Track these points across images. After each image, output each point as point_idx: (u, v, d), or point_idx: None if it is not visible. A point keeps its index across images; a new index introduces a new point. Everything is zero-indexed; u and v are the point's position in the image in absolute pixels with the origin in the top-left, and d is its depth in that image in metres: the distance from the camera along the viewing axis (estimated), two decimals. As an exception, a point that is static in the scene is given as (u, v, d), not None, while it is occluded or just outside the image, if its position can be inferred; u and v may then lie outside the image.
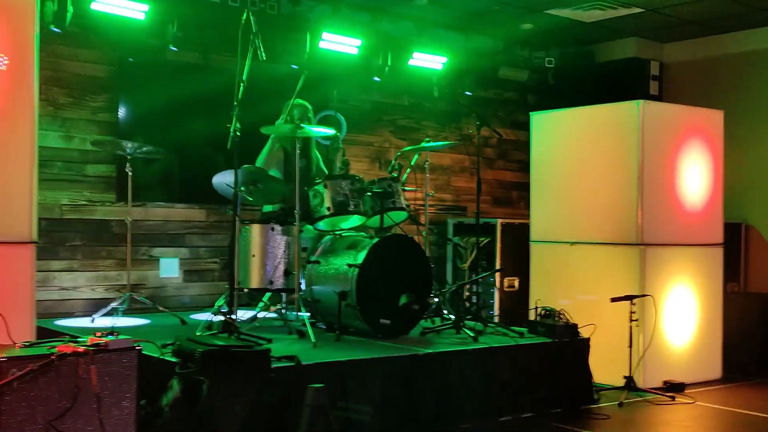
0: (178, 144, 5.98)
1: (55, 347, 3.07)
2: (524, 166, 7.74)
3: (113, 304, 5.13)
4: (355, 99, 6.97)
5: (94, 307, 5.52)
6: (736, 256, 6.94)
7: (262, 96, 5.61)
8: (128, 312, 5.24)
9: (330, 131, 5.06)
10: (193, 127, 6.07)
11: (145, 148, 5.17)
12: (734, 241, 6.86)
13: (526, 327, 4.99)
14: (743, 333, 6.22)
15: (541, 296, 5.55)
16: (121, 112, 5.84)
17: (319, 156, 5.62)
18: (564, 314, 4.92)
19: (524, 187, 7.59)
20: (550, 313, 4.93)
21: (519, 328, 5.00)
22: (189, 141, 6.05)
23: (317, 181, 4.94)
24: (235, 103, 4.35)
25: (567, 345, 4.78)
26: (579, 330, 4.87)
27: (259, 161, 5.35)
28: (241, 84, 4.36)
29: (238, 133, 4.33)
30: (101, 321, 5.07)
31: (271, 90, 6.13)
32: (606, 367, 5.11)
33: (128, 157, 5.16)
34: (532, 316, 5.07)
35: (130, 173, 5.15)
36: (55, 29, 5.39)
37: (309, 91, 6.18)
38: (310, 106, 5.46)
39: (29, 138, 3.82)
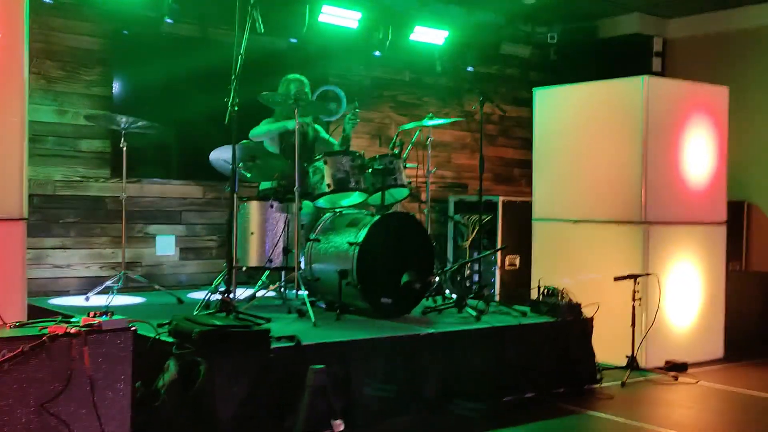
0: (174, 119, 5.88)
1: (46, 328, 2.95)
2: (526, 143, 7.67)
3: (108, 283, 5.06)
4: (354, 74, 6.88)
5: (88, 285, 5.44)
6: (738, 236, 6.88)
7: (260, 70, 5.51)
8: (123, 290, 5.17)
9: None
10: (190, 101, 5.97)
11: (140, 123, 5.08)
12: (736, 220, 6.81)
13: (528, 306, 4.95)
14: (744, 313, 6.18)
15: (543, 275, 5.50)
16: (116, 86, 5.73)
17: (320, 128, 5.52)
18: (567, 293, 4.87)
19: (526, 165, 7.53)
20: (553, 292, 4.89)
21: (522, 307, 4.97)
22: (186, 116, 5.95)
23: (317, 157, 4.85)
24: (233, 77, 4.25)
25: (570, 324, 4.73)
26: (582, 309, 4.82)
27: (258, 131, 5.23)
28: (239, 57, 4.25)
29: (235, 108, 4.23)
30: (96, 299, 4.99)
31: (270, 64, 6.01)
32: (609, 346, 5.07)
33: (123, 132, 5.07)
34: (534, 295, 5.03)
35: (124, 149, 5.06)
36: (47, 0, 5.23)
37: (307, 65, 6.10)
38: (306, 81, 5.37)
39: (19, 112, 3.69)
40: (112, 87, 5.71)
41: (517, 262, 6.79)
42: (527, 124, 6.95)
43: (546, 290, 4.91)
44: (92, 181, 5.67)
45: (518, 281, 6.52)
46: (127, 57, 5.73)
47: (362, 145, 6.77)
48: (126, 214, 5.18)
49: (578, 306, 4.81)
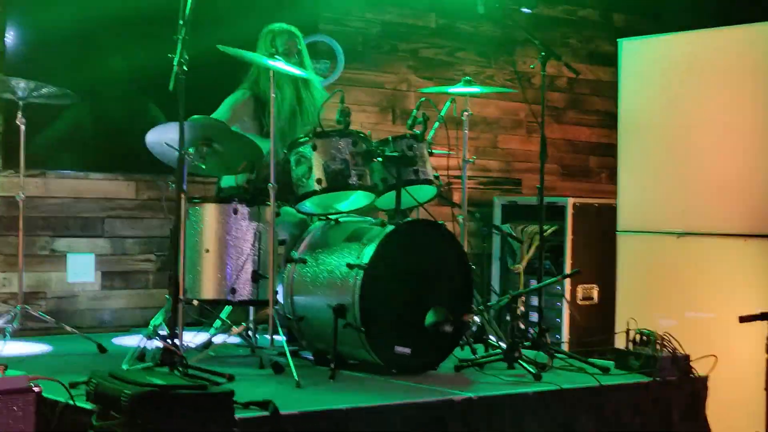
0: (93, 85, 5.92)
1: None
2: (608, 120, 7.66)
3: (-1, 323, 5.10)
4: (356, 18, 6.91)
5: (-30, 326, 5.48)
6: None
7: (220, 12, 5.55)
8: (21, 334, 5.18)
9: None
10: (117, 60, 6.02)
11: (44, 90, 5.11)
12: None
13: (612, 359, 4.96)
14: None
15: (633, 312, 5.47)
16: (9, 38, 5.79)
17: (318, 95, 5.56)
18: (669, 340, 4.87)
19: (608, 151, 7.51)
20: (648, 339, 4.89)
21: (602, 360, 4.98)
22: (110, 80, 6.00)
23: (301, 139, 4.89)
24: (181, 23, 4.27)
25: (674, 386, 4.75)
26: (692, 364, 4.83)
27: (219, 113, 5.31)
28: (189, -6, 4.30)
29: (184, 68, 4.25)
30: (-19, 347, 5.02)
31: (234, 2, 6.02)
32: (732, 417, 5.08)
33: (20, 103, 5.10)
34: (621, 343, 5.05)
35: (22, 127, 5.09)
36: None
37: (286, 5, 6.14)
38: (300, 34, 5.44)
39: None
40: (3, 38, 5.76)
41: (595, 293, 6.78)
42: (610, 90, 6.94)
43: (638, 335, 4.91)
44: (-25, 175, 5.73)
45: (597, 322, 6.50)
46: (24, -1, 5.81)
47: (368, 122, 6.81)
48: (24, 223, 5.20)
49: (686, 359, 4.81)
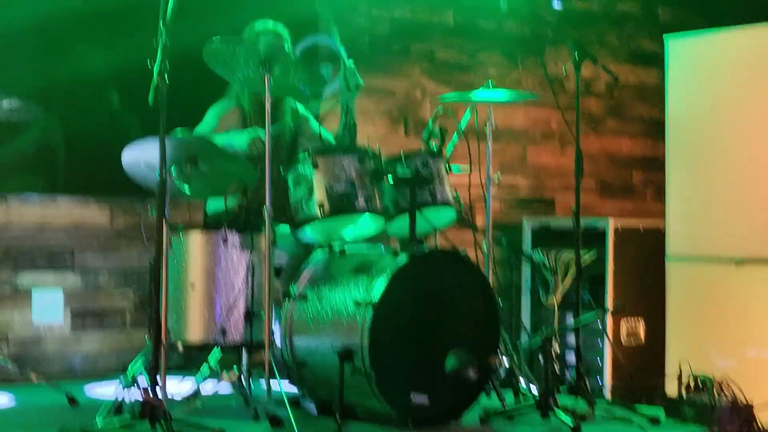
0: (60, 95, 5.95)
1: None
2: (653, 129, 7.64)
3: (-46, 371, 5.11)
4: (362, 14, 6.93)
5: None
6: None
7: (208, 7, 5.56)
8: (-21, 384, 5.21)
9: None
10: (87, 64, 6.03)
11: (4, 103, 5.11)
12: None
13: (662, 407, 4.97)
14: None
15: (686, 352, 5.48)
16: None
17: (308, 114, 5.57)
18: (728, 385, 4.87)
19: (653, 165, 7.49)
20: (704, 384, 4.89)
21: (650, 408, 4.99)
22: (80, 90, 6.00)
23: (300, 156, 4.91)
24: (161, 24, 4.30)
25: (735, 439, 4.72)
26: (756, 413, 4.81)
27: (205, 124, 5.35)
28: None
29: (165, 76, 4.28)
30: (-67, 400, 5.05)
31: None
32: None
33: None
34: (672, 388, 5.05)
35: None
36: None
37: (282, 1, 6.15)
38: (286, 34, 5.46)
39: None
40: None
41: (641, 330, 6.75)
42: (655, 95, 6.94)
43: (692, 380, 4.92)
44: (-74, 201, 5.78)
45: (643, 363, 6.47)
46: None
47: (377, 135, 6.76)
48: (-18, 256, 5.25)
49: (748, 408, 4.79)
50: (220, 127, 5.41)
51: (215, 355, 5.08)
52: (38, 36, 5.89)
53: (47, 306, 6.01)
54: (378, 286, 4.56)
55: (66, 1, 5.85)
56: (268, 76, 4.74)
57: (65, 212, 6.09)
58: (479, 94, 5.52)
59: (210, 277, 4.78)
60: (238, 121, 5.43)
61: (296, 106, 5.58)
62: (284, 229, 5.01)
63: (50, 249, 6.04)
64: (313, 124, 5.56)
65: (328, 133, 5.49)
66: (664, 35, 6.14)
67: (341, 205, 4.80)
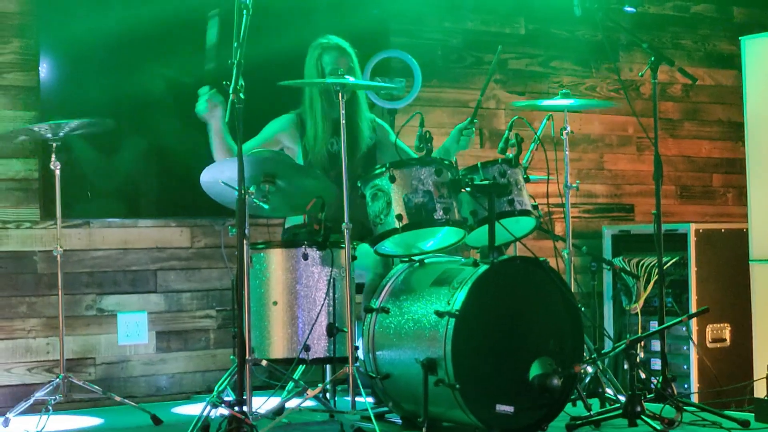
0: (138, 118, 6.02)
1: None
2: (732, 131, 7.58)
3: (39, 394, 5.15)
4: (433, 28, 6.97)
5: (7, 398, 5.58)
6: None
7: (278, 24, 5.59)
8: (66, 406, 5.27)
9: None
10: (168, 87, 6.10)
11: (75, 123, 5.18)
12: None
13: (752, 411, 4.91)
14: None
15: (775, 356, 5.43)
16: (43, 71, 5.90)
17: (385, 125, 5.60)
18: (820, 387, 4.80)
19: (734, 167, 7.44)
20: (794, 386, 4.82)
21: (739, 413, 4.94)
22: (158, 112, 6.08)
23: (378, 169, 4.93)
24: (235, 45, 4.35)
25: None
26: None
27: (253, 141, 5.37)
28: (244, 11, 4.37)
29: (241, 95, 4.31)
30: (20, 423, 5.09)
31: (296, 14, 6.06)
32: None
33: (53, 144, 5.19)
34: (761, 391, 5.06)
35: (57, 171, 5.18)
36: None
37: (352, 16, 6.18)
38: (351, 50, 5.46)
39: None
40: (38, 70, 5.88)
41: (727, 334, 6.69)
42: (732, 97, 6.88)
43: (782, 382, 4.87)
44: (11, 227, 5.84)
45: (730, 367, 6.41)
46: (61, 20, 5.91)
47: (451, 147, 6.83)
48: (67, 280, 5.30)
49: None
50: (274, 143, 5.43)
51: (299, 370, 5.13)
52: (110, 57, 5.97)
53: (132, 328, 6.07)
54: (459, 297, 4.56)
55: (140, 29, 5.95)
56: (341, 92, 4.77)
57: (146, 235, 6.16)
58: (554, 102, 5.54)
59: (292, 294, 4.81)
60: (296, 136, 5.46)
61: (374, 118, 5.61)
62: (363, 243, 5.05)
63: (133, 271, 6.12)
64: (392, 139, 5.58)
65: (406, 146, 5.51)
66: (740, 37, 6.10)
67: (420, 217, 4.80)
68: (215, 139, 5.22)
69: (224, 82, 4.36)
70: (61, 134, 5.19)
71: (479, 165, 5.03)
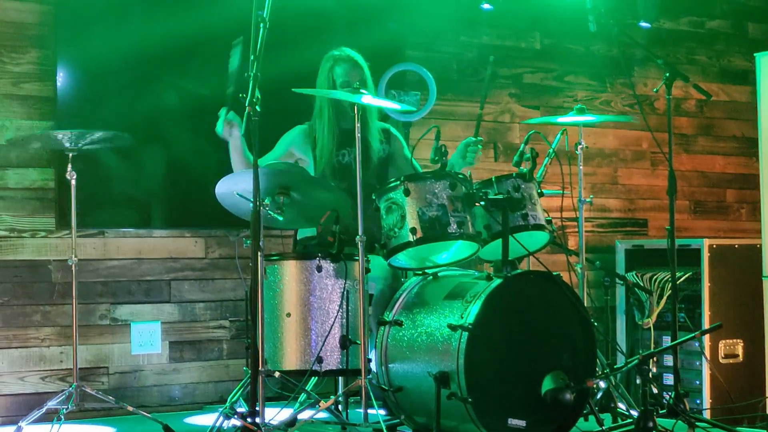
0: (154, 129, 6.05)
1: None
2: (746, 146, 7.58)
3: (51, 403, 5.14)
4: (448, 42, 6.98)
5: (21, 407, 5.60)
6: None
7: (293, 37, 5.60)
8: (77, 415, 5.28)
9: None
10: (183, 100, 6.13)
11: (94, 136, 5.19)
12: None
13: (765, 427, 4.95)
14: None
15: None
16: (61, 78, 5.92)
17: (400, 137, 5.63)
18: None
19: (747, 183, 7.43)
20: (807, 404, 4.81)
21: (752, 429, 4.97)
22: (175, 124, 6.11)
23: (392, 183, 4.95)
24: (252, 58, 4.38)
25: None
26: None
27: (269, 156, 5.40)
28: (261, 24, 4.40)
29: (257, 108, 4.34)
30: (33, 431, 5.11)
31: (312, 29, 6.08)
32: None
33: (69, 154, 5.21)
34: None
35: (73, 181, 5.19)
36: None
37: (367, 30, 6.20)
38: (365, 64, 5.47)
39: None
40: (55, 80, 5.90)
41: (740, 349, 6.67)
42: (747, 113, 6.88)
43: (795, 399, 4.87)
44: (27, 237, 5.86)
45: (743, 383, 6.40)
46: (78, 32, 5.93)
47: (466, 161, 6.84)
48: (82, 289, 5.30)
49: None
50: (287, 156, 5.47)
51: (312, 382, 5.16)
52: (126, 68, 5.99)
53: (145, 337, 6.09)
54: (472, 311, 4.56)
55: (158, 43, 5.95)
56: (356, 105, 4.80)
57: (160, 245, 6.17)
58: (569, 117, 5.54)
59: (305, 306, 4.82)
60: (309, 148, 5.48)
61: (389, 128, 5.62)
62: (377, 255, 5.05)
63: (147, 281, 6.13)
64: (406, 153, 5.60)
65: (418, 165, 5.54)
66: (756, 54, 6.11)
67: (434, 230, 4.80)
68: (234, 155, 5.27)
69: (240, 95, 4.40)
70: (81, 144, 5.20)
71: (493, 179, 5.05)
